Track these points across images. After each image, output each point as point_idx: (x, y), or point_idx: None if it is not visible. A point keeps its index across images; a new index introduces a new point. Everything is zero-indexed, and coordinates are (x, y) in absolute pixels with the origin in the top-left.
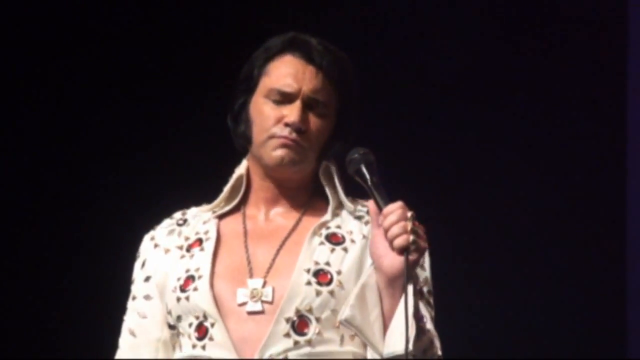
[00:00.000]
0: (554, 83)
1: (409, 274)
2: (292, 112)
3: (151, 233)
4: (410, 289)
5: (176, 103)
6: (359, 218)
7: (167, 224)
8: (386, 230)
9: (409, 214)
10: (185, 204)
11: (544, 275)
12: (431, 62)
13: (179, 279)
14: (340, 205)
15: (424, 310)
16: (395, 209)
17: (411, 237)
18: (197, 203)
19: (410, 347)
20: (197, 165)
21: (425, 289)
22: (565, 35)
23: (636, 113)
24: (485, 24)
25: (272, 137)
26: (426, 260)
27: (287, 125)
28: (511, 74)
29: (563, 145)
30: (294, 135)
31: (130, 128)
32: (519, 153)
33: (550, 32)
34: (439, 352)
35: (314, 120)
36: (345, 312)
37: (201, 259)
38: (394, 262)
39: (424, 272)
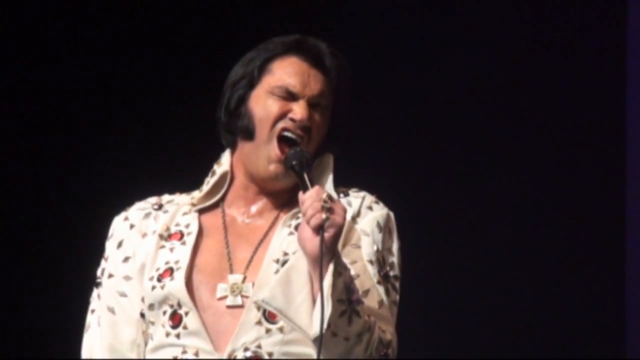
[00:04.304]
0: (553, 83)
1: (323, 249)
2: (299, 108)
3: (123, 214)
4: (331, 267)
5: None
6: None
7: (141, 206)
8: (304, 215)
9: (324, 195)
10: (157, 191)
11: (543, 275)
12: (428, 62)
13: (157, 269)
14: None
15: (376, 294)
16: (310, 195)
17: (324, 215)
18: (170, 190)
19: (326, 326)
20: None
21: (391, 273)
22: (564, 36)
23: (636, 113)
24: (484, 24)
25: (275, 135)
26: (394, 244)
27: (292, 120)
28: (510, 74)
29: (563, 144)
30: (299, 131)
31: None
32: (519, 153)
33: (550, 33)
34: (387, 337)
35: (316, 119)
36: (263, 293)
37: (182, 253)
38: (314, 242)
39: (392, 257)
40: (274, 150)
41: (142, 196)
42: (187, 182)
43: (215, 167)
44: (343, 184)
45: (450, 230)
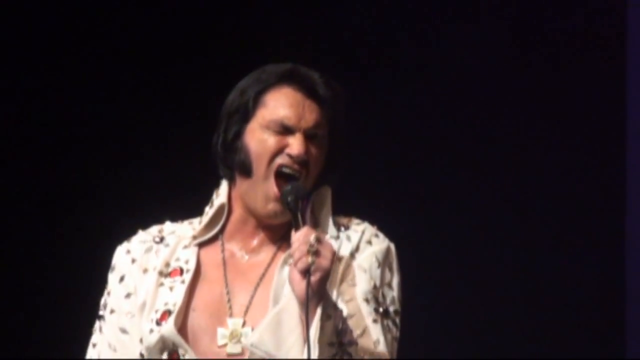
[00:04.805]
0: (553, 84)
1: (310, 293)
2: (295, 143)
3: (126, 245)
4: (318, 311)
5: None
6: (334, 239)
7: (142, 238)
8: (292, 257)
9: (312, 236)
10: (159, 215)
11: (544, 275)
12: (424, 73)
13: (156, 311)
14: (316, 228)
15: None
16: (298, 237)
17: (310, 259)
18: (172, 216)
19: None
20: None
21: (391, 309)
22: (564, 36)
23: (636, 113)
24: (484, 26)
25: (273, 172)
26: (394, 279)
27: (290, 156)
28: (509, 75)
29: (563, 145)
30: (296, 166)
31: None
32: (519, 153)
33: (549, 33)
34: None
35: (313, 152)
36: (253, 337)
37: (179, 294)
38: (301, 285)
39: (391, 292)
40: (272, 188)
41: (145, 219)
42: (191, 204)
43: (214, 196)
44: (344, 212)
45: (451, 223)
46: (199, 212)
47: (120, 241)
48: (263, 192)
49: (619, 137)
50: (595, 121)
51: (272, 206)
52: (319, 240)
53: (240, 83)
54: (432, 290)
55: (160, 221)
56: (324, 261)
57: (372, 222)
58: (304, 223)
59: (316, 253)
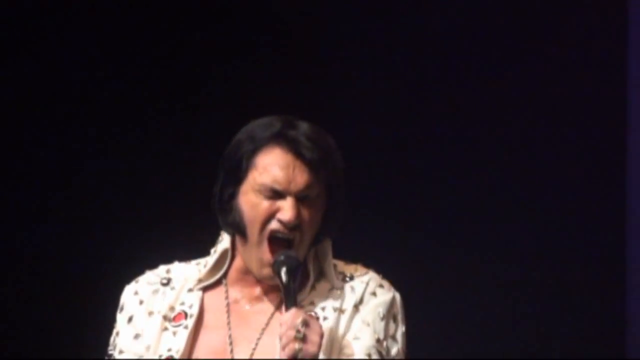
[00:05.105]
0: (552, 84)
1: None
2: (285, 208)
3: (134, 286)
4: None
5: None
6: (338, 289)
7: (150, 279)
8: (280, 340)
9: (299, 320)
10: (163, 250)
11: (544, 275)
12: (421, 66)
13: (160, 357)
14: (320, 278)
15: None
16: (286, 320)
17: (297, 345)
18: (180, 254)
19: None
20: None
21: None
22: (564, 35)
23: (637, 113)
24: (483, 24)
25: (266, 237)
26: (398, 330)
27: (281, 222)
28: (509, 77)
29: (563, 146)
30: (288, 231)
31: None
32: (519, 152)
33: (549, 32)
34: None
35: (306, 213)
36: None
37: (182, 341)
38: None
39: (396, 344)
40: (265, 254)
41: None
42: (199, 245)
43: (220, 238)
44: (349, 257)
45: (452, 222)
46: (206, 249)
47: (131, 273)
48: (257, 256)
49: (619, 136)
50: (596, 120)
51: (267, 271)
52: (306, 323)
53: (236, 137)
54: (429, 294)
55: (169, 260)
56: (311, 347)
57: (378, 269)
58: (295, 299)
59: (303, 339)
